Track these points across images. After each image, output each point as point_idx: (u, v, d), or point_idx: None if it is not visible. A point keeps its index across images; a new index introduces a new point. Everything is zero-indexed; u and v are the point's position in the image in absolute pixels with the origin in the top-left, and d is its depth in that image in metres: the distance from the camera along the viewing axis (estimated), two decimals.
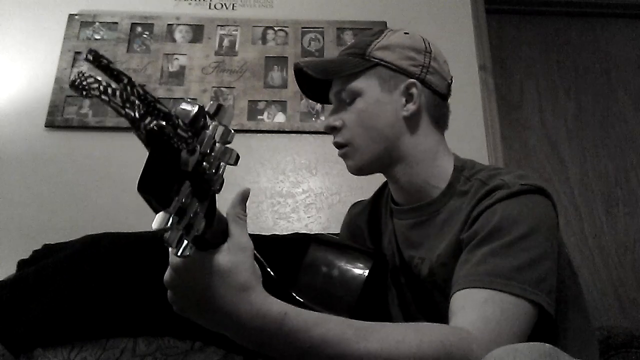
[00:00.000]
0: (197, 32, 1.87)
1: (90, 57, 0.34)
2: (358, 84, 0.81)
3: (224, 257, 0.48)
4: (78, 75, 0.34)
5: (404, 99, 0.80)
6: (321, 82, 0.84)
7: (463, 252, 0.70)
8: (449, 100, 0.88)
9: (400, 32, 0.84)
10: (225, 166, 0.43)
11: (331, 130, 0.83)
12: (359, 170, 0.83)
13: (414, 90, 0.80)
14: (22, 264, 1.33)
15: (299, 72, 0.84)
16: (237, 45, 1.86)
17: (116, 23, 1.86)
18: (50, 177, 1.65)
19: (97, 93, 0.34)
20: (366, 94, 0.80)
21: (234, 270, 0.48)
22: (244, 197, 0.53)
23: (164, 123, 0.35)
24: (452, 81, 0.87)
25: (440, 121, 0.85)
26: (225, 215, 0.52)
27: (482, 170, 0.79)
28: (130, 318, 1.20)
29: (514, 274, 0.63)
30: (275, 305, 0.50)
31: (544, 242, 0.67)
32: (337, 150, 0.84)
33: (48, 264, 1.27)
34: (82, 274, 1.24)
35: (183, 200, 0.38)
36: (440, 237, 0.78)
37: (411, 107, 0.80)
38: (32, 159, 1.67)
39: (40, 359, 1.17)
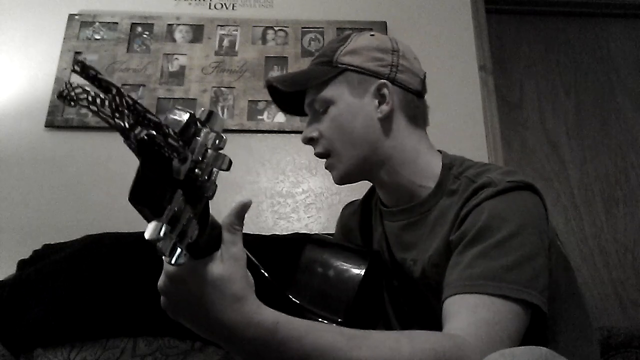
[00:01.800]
0: (197, 32, 1.87)
1: (78, 68, 0.33)
2: (328, 92, 0.80)
3: (217, 266, 0.48)
4: (65, 85, 0.34)
5: (376, 101, 0.80)
6: (296, 95, 0.84)
7: (453, 253, 0.69)
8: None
9: (366, 35, 0.84)
10: (217, 172, 0.42)
11: (309, 141, 0.83)
12: (343, 179, 0.82)
13: (385, 91, 0.79)
14: (22, 264, 1.33)
15: (272, 89, 0.84)
16: (237, 45, 1.86)
17: (116, 23, 1.86)
18: (50, 177, 1.65)
19: (85, 104, 0.34)
20: (338, 101, 0.80)
21: (227, 280, 0.48)
22: (242, 209, 0.52)
23: (154, 132, 0.35)
24: (425, 77, 0.86)
25: (418, 119, 0.84)
26: (220, 222, 0.51)
27: (470, 167, 0.78)
28: (130, 318, 1.20)
29: (505, 275, 0.62)
30: (268, 315, 0.49)
31: (533, 240, 0.66)
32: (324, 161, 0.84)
33: (48, 264, 1.27)
34: (82, 274, 1.24)
35: (176, 208, 0.37)
36: (431, 237, 0.77)
37: (384, 108, 0.79)
38: (32, 159, 1.67)
39: (40, 359, 1.17)
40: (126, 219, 1.47)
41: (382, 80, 0.80)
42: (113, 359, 1.17)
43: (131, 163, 0.38)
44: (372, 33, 0.85)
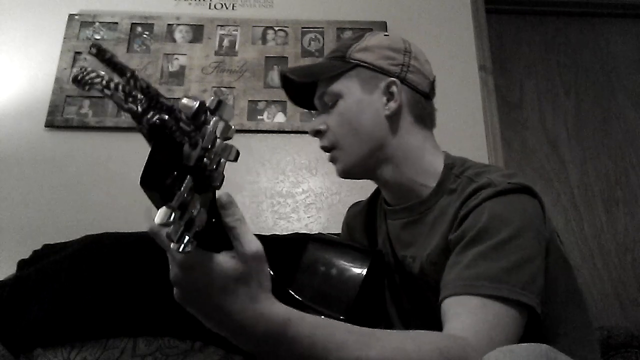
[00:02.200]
0: (197, 32, 1.87)
1: (94, 51, 0.34)
2: (338, 86, 0.82)
3: (229, 260, 0.48)
4: (80, 69, 0.34)
5: (385, 98, 0.81)
6: (307, 89, 0.86)
7: (452, 253, 0.70)
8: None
9: (380, 34, 0.86)
10: (225, 162, 0.42)
11: (316, 134, 0.84)
12: (347, 173, 0.84)
13: (394, 89, 0.81)
14: (22, 264, 1.33)
15: (285, 80, 0.86)
16: (237, 45, 1.86)
17: (116, 23, 1.86)
18: (50, 177, 1.65)
19: (99, 87, 0.34)
20: (347, 95, 0.81)
21: (240, 276, 0.48)
22: (230, 202, 0.50)
23: (166, 117, 0.35)
24: (434, 80, 0.87)
25: (425, 119, 0.85)
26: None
27: (470, 167, 0.79)
28: (130, 318, 1.20)
29: (504, 276, 0.63)
30: (279, 311, 0.49)
31: (532, 242, 0.67)
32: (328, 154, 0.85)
33: (48, 264, 1.27)
34: (82, 274, 1.24)
35: (185, 195, 0.37)
36: (430, 235, 0.78)
37: (392, 105, 0.80)
38: (32, 159, 1.67)
39: (40, 359, 1.17)
40: (126, 219, 1.47)
41: (392, 78, 0.81)
42: (113, 359, 1.17)
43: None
44: (386, 33, 0.87)
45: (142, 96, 0.35)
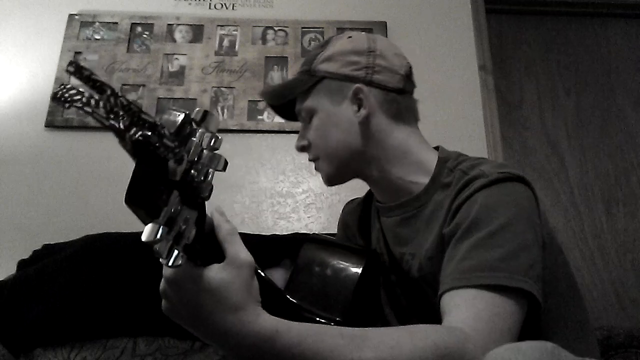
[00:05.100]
0: (197, 32, 1.88)
1: (72, 69, 0.33)
2: (309, 102, 0.83)
3: (217, 274, 0.48)
4: (60, 87, 0.33)
5: (355, 106, 0.81)
6: (290, 102, 0.87)
7: (448, 247, 0.69)
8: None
9: (343, 38, 0.84)
10: (213, 173, 0.42)
11: (301, 149, 0.86)
12: (330, 181, 0.85)
13: (361, 95, 0.80)
14: (22, 264, 1.33)
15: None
16: (237, 45, 1.86)
17: (116, 23, 1.86)
18: (50, 177, 1.65)
19: (79, 105, 0.34)
20: (319, 110, 0.82)
21: (225, 289, 0.48)
22: (222, 215, 0.52)
23: (149, 133, 0.35)
24: (407, 72, 0.84)
25: (403, 115, 0.83)
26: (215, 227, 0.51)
27: (465, 161, 0.78)
28: (130, 318, 1.20)
29: (500, 264, 0.62)
30: (266, 323, 0.49)
31: (526, 230, 0.66)
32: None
33: (48, 264, 1.27)
34: (82, 274, 1.24)
35: (172, 210, 0.37)
36: (427, 231, 0.77)
37: (362, 112, 0.80)
38: (32, 159, 1.67)
39: (40, 359, 1.16)
40: (126, 219, 1.47)
41: (357, 85, 0.80)
42: (113, 359, 1.17)
43: (131, 163, 0.38)
44: (350, 35, 0.85)
45: (124, 113, 0.34)
